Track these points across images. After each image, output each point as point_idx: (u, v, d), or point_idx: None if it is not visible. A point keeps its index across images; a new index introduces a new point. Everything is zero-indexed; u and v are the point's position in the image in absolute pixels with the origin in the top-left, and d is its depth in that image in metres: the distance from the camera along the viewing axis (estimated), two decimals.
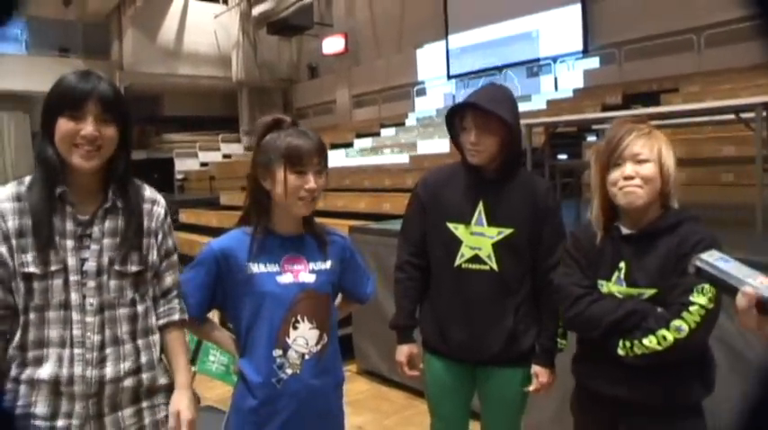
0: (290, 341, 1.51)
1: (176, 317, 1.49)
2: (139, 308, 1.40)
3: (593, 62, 10.05)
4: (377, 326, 3.53)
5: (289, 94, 17.26)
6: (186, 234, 8.45)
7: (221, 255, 1.52)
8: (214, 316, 1.73)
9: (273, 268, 1.52)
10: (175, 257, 1.51)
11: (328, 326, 1.57)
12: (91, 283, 1.33)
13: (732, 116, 4.04)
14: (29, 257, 1.29)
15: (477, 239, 1.81)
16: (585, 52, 10.01)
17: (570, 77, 10.30)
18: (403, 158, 8.81)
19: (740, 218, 3.68)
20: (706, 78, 7.71)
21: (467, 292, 1.83)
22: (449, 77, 12.45)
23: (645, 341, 1.41)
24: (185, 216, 9.76)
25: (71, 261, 1.32)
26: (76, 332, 1.31)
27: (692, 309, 1.37)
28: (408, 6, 13.25)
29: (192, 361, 2.48)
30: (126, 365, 1.37)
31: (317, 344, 1.54)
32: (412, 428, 3.23)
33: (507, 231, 1.80)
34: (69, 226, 1.33)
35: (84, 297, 1.32)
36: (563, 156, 6.42)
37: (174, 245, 1.51)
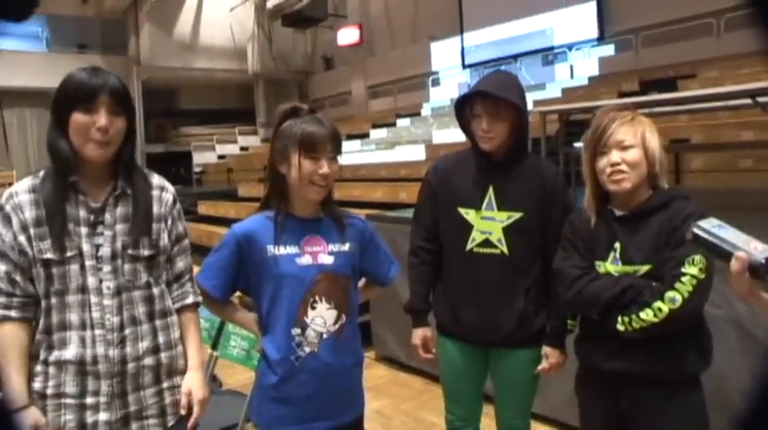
0: (308, 320, 1.57)
1: (190, 300, 1.55)
2: (155, 290, 1.47)
3: (609, 49, 9.92)
4: (394, 313, 3.57)
5: (304, 86, 17.30)
6: (205, 225, 8.57)
7: (243, 239, 1.58)
8: (234, 299, 1.79)
9: (293, 250, 1.58)
10: (186, 242, 1.57)
11: (347, 307, 1.62)
12: (106, 268, 1.40)
13: (749, 101, 4.00)
14: (46, 245, 1.36)
15: (488, 224, 1.85)
16: (601, 39, 9.89)
17: (586, 65, 10.18)
18: (419, 149, 8.82)
19: (759, 203, 3.66)
20: (724, 63, 7.57)
21: (478, 276, 1.87)
22: (464, 67, 12.40)
23: (642, 314, 1.46)
24: (204, 208, 9.88)
25: (86, 247, 1.38)
26: (96, 314, 1.38)
27: (684, 279, 1.42)
28: None
29: (214, 346, 2.55)
30: (144, 344, 1.44)
31: (334, 323, 1.60)
32: (429, 412, 3.28)
33: (517, 215, 1.83)
34: (82, 213, 1.39)
35: (100, 281, 1.39)
36: (578, 144, 6.38)
37: (185, 230, 1.57)
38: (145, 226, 1.45)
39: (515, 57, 11.21)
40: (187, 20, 15.60)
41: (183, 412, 1.49)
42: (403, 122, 12.16)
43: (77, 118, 1.36)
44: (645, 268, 1.52)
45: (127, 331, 1.41)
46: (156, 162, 14.09)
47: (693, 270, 1.42)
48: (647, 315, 1.45)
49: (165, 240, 1.49)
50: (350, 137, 12.06)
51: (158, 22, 15.15)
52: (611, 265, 1.57)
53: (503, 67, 10.40)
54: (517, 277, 1.86)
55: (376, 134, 11.99)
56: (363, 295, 1.82)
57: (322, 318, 1.58)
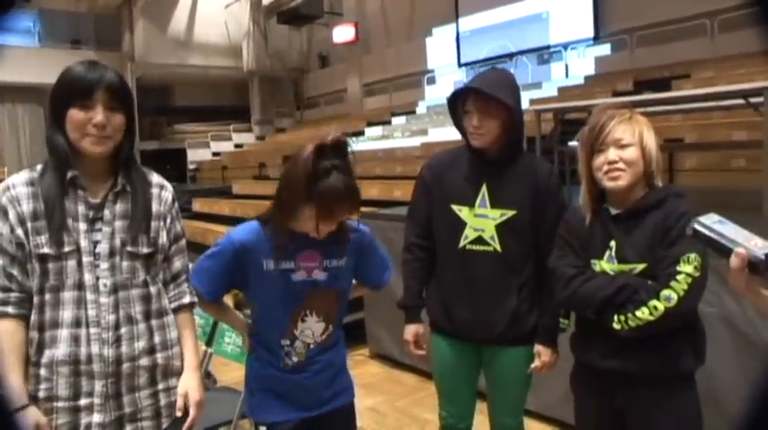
0: (297, 333, 1.62)
1: (186, 300, 1.54)
2: (152, 289, 1.45)
3: (604, 49, 9.94)
4: (388, 311, 3.58)
5: (299, 84, 17.27)
6: (199, 223, 8.54)
7: (241, 248, 1.58)
8: (228, 299, 1.81)
9: (288, 265, 1.58)
10: (184, 242, 1.56)
11: (335, 318, 1.67)
12: (104, 265, 1.37)
13: (742, 101, 4.02)
14: (43, 239, 1.33)
15: (481, 221, 1.86)
16: (596, 39, 9.92)
17: (581, 64, 10.21)
18: (414, 142, 8.83)
19: (750, 203, 3.68)
20: (719, 64, 7.61)
21: (471, 273, 1.87)
22: (459, 65, 12.41)
23: (638, 313, 1.46)
24: (198, 205, 9.87)
25: (84, 243, 1.36)
26: (91, 312, 1.36)
27: (679, 277, 1.43)
28: None
29: (209, 343, 2.56)
30: (140, 344, 1.41)
31: (321, 334, 1.64)
32: (423, 409, 3.28)
33: (510, 213, 1.84)
34: (81, 209, 1.37)
35: (97, 278, 1.36)
36: (573, 143, 6.41)
37: (183, 229, 1.56)
38: (144, 223, 1.43)
39: (510, 56, 11.22)
40: (182, 16, 15.52)
41: (179, 414, 1.48)
42: (398, 120, 12.16)
43: (74, 114, 1.34)
44: (640, 266, 1.52)
45: (122, 330, 1.39)
46: (151, 159, 14.03)
47: (689, 268, 1.43)
48: (642, 313, 1.46)
49: (163, 239, 1.48)
50: (345, 135, 12.02)
51: (153, 18, 15.07)
52: (606, 264, 1.57)
53: (500, 66, 10.41)
54: (510, 275, 1.87)
55: (371, 132, 11.99)
56: (355, 292, 1.84)
57: (311, 330, 1.63)
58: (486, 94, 1.76)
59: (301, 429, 1.64)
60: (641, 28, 9.12)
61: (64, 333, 1.34)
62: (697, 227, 0.92)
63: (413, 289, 2.00)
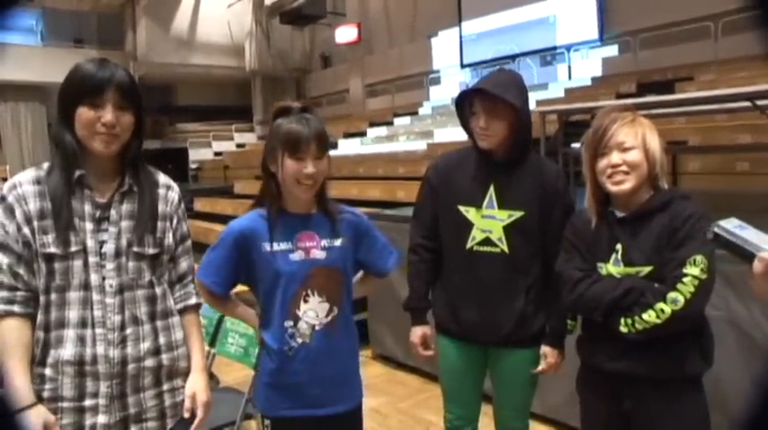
0: (300, 313, 1.61)
1: (192, 301, 1.54)
2: (158, 290, 1.44)
3: (608, 51, 9.94)
4: (392, 312, 3.58)
5: (302, 84, 17.28)
6: (201, 222, 8.55)
7: (240, 236, 1.60)
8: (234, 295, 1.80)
9: (286, 246, 1.60)
10: (189, 243, 1.55)
11: (339, 300, 1.65)
12: (110, 265, 1.36)
13: (747, 104, 4.02)
14: (49, 238, 1.32)
15: (489, 222, 1.85)
16: (601, 41, 9.92)
17: (586, 66, 10.21)
18: (420, 146, 8.82)
19: (755, 205, 3.67)
20: (722, 67, 7.62)
21: (478, 274, 1.87)
22: (462, 66, 12.40)
23: (644, 316, 1.46)
24: (200, 205, 9.88)
25: (90, 242, 1.35)
26: (97, 313, 1.35)
27: (685, 280, 1.43)
28: None
29: (212, 343, 2.55)
30: (146, 345, 1.40)
31: (326, 316, 1.63)
32: (427, 411, 3.28)
33: (517, 214, 1.83)
34: (88, 208, 1.36)
35: (103, 278, 1.36)
36: (577, 145, 6.40)
37: (189, 230, 1.55)
38: (150, 224, 1.43)
39: (514, 57, 11.21)
40: (184, 16, 15.55)
41: (186, 415, 1.47)
42: (401, 121, 12.15)
43: (83, 112, 1.33)
44: (647, 269, 1.52)
45: (128, 331, 1.38)
46: (153, 158, 13.90)
47: (695, 271, 1.42)
48: (649, 316, 1.45)
49: (169, 239, 1.47)
50: (347, 135, 12.05)
51: (155, 17, 15.09)
52: (613, 267, 1.57)
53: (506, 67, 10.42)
54: (517, 276, 1.86)
55: (373, 132, 11.98)
56: (361, 289, 1.83)
57: (314, 310, 1.61)
58: (493, 94, 1.76)
59: (308, 427, 1.63)
60: (645, 30, 9.12)
61: (70, 333, 1.34)
62: (717, 231, 0.91)
63: (419, 290, 1.99)
